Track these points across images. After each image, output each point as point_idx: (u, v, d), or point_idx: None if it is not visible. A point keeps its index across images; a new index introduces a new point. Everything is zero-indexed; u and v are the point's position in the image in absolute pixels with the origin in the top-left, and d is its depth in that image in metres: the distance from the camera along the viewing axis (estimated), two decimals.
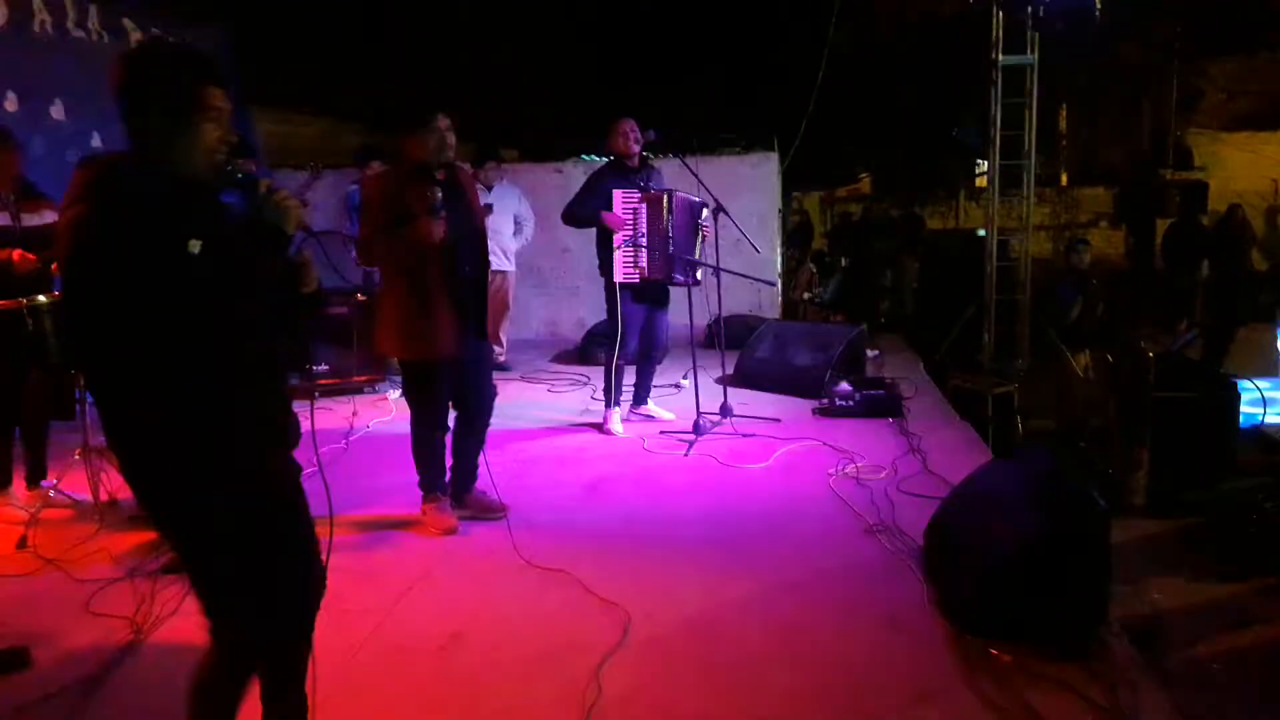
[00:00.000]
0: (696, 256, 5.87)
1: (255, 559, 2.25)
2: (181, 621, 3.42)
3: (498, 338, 8.11)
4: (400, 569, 3.92)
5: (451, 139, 4.11)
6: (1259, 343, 8.61)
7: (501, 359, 7.98)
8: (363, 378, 7.21)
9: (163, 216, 2.01)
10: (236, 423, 2.16)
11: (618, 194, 5.66)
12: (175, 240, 2.00)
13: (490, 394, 4.46)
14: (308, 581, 2.47)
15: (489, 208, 7.53)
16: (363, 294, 7.28)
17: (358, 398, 6.95)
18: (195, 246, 2.00)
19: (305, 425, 2.50)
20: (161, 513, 2.19)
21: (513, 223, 7.83)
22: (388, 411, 6.63)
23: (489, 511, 4.46)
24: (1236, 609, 4.19)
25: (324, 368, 7.13)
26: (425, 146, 4.05)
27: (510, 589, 3.74)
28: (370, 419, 6.42)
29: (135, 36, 7.72)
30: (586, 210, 5.74)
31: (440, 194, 4.01)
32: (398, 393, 6.98)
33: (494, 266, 7.66)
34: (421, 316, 4.05)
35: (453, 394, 4.31)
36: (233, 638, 2.28)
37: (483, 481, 4.50)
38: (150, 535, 4.21)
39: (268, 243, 2.19)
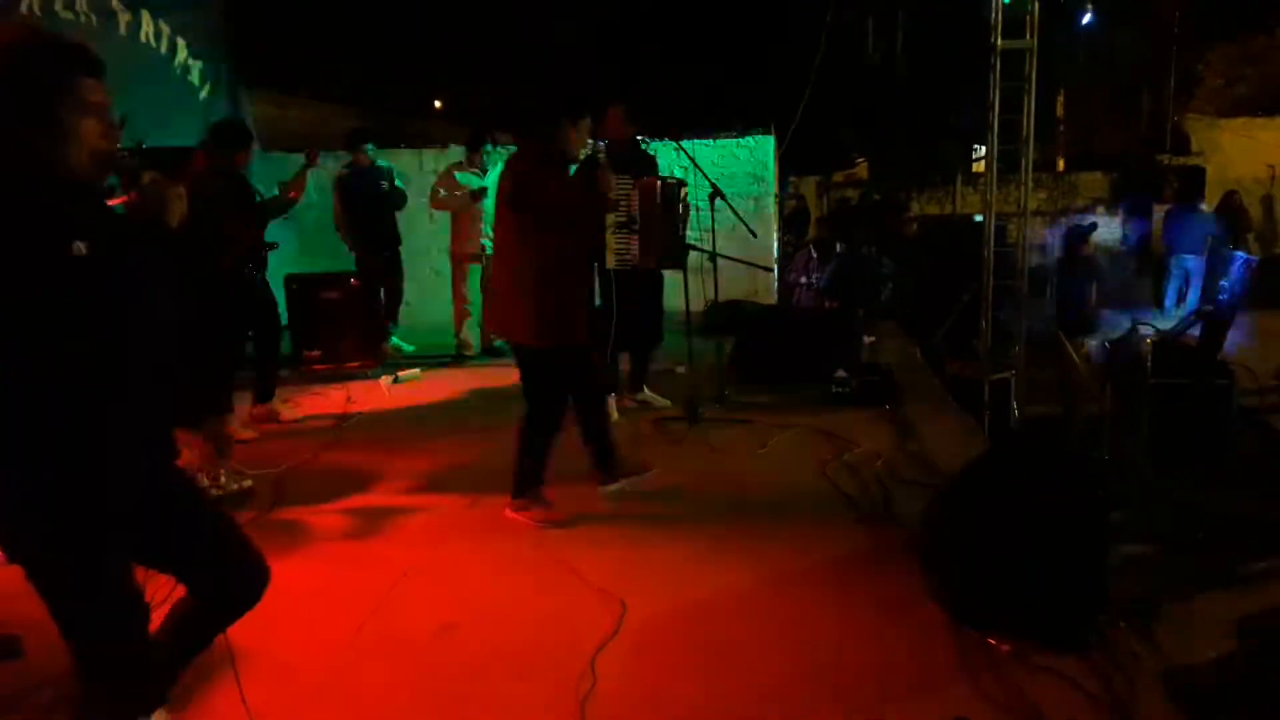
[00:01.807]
0: (686, 239, 5.84)
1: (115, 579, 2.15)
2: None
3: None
4: (392, 558, 3.90)
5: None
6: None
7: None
8: (356, 363, 7.17)
9: (40, 220, 1.90)
10: (110, 436, 2.05)
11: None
12: (57, 243, 1.89)
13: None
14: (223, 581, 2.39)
15: (484, 191, 7.49)
16: (355, 279, 7.25)
17: (352, 383, 6.90)
18: (81, 249, 1.90)
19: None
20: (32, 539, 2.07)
21: None
22: (383, 398, 6.59)
23: (641, 469, 4.63)
24: (1235, 595, 4.17)
25: (317, 353, 7.09)
26: (577, 140, 4.12)
27: (503, 577, 3.72)
28: (366, 405, 6.38)
29: (125, 18, 7.65)
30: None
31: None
32: (392, 379, 6.96)
33: (490, 252, 7.69)
34: (578, 305, 4.15)
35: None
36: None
37: (475, 472, 4.47)
38: None
39: (149, 235, 2.08)
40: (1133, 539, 4.09)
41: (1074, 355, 6.96)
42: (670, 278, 5.99)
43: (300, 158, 6.36)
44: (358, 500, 4.58)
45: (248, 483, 4.64)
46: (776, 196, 10.58)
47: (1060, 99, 15.82)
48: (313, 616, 3.40)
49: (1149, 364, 6.22)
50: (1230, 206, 10.21)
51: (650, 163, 5.85)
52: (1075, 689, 2.79)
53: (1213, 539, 4.81)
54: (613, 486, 4.53)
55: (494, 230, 4.32)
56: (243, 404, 5.87)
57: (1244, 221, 10.35)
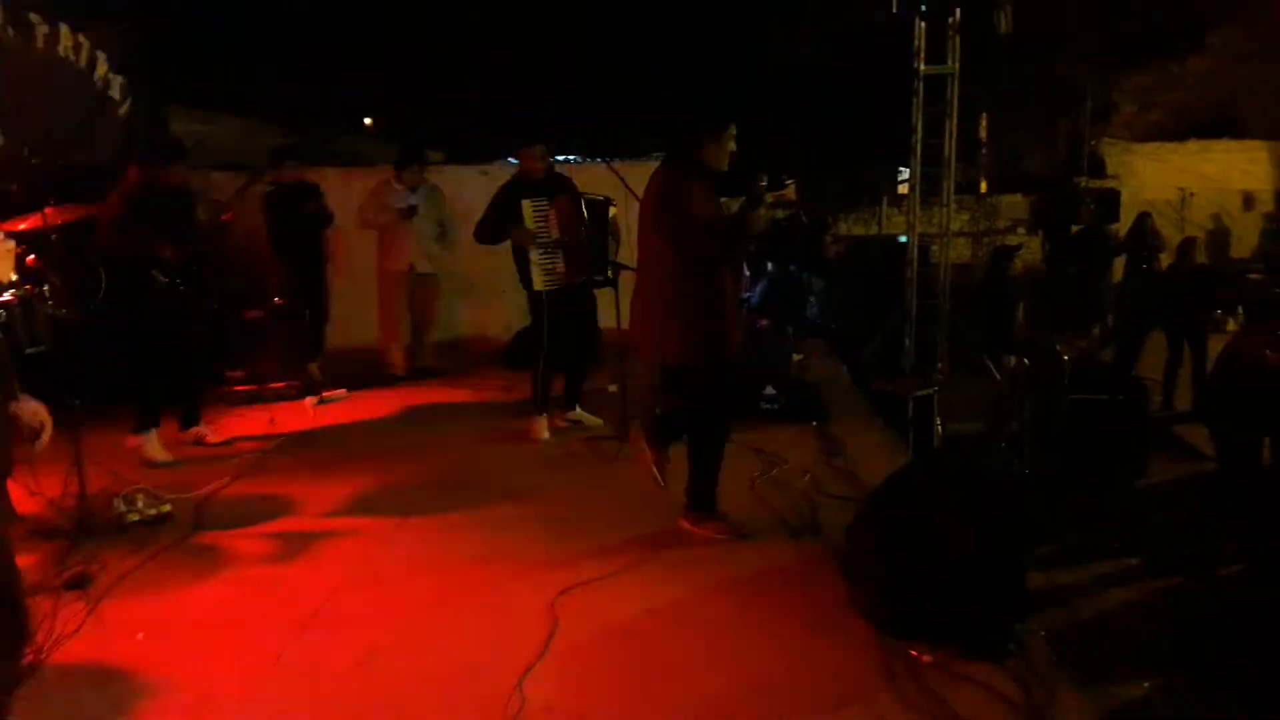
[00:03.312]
0: (611, 256, 5.87)
1: None
2: (84, 642, 3.29)
3: (422, 345, 8.00)
4: (315, 583, 3.82)
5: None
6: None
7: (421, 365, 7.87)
8: (280, 384, 7.03)
9: None
10: None
11: (527, 203, 5.65)
12: None
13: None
14: None
15: (413, 210, 7.42)
16: (279, 298, 7.11)
17: (276, 405, 6.76)
18: None
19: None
20: None
21: (437, 226, 7.71)
22: (308, 419, 6.47)
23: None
24: (1150, 603, 4.30)
25: (239, 373, 6.94)
26: (719, 155, 4.09)
27: (429, 600, 3.67)
28: (290, 426, 6.25)
29: (43, 31, 7.43)
30: (497, 226, 5.73)
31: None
32: (317, 400, 6.84)
33: (419, 269, 7.64)
34: (722, 319, 4.06)
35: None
36: None
37: (402, 493, 4.40)
38: (51, 550, 4.06)
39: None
40: (1050, 550, 4.21)
41: (996, 372, 7.14)
42: (605, 296, 6.00)
43: (229, 176, 6.26)
44: (280, 524, 4.48)
45: (166, 507, 4.52)
46: None
47: (983, 122, 16.23)
48: (231, 644, 3.32)
49: (1067, 381, 6.41)
50: (1142, 228, 10.56)
51: (566, 183, 5.89)
52: (995, 696, 2.85)
53: (1128, 549, 4.96)
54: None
55: (638, 254, 4.27)
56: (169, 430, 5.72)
57: (1156, 242, 10.72)
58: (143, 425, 5.45)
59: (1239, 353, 5.16)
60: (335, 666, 3.15)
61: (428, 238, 7.64)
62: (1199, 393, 7.33)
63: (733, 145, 4.15)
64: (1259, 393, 4.87)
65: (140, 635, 3.33)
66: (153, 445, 5.44)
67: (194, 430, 5.83)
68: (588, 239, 5.68)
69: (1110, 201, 13.31)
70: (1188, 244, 9.54)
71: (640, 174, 7.55)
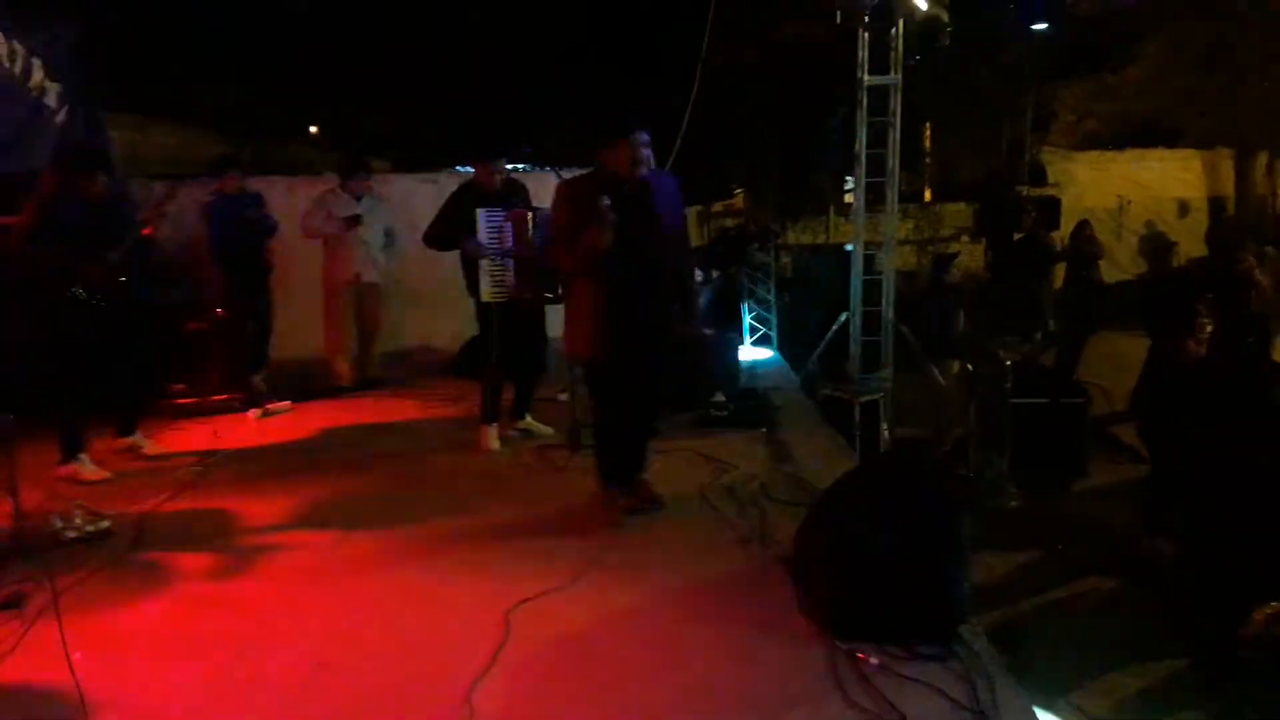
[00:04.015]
0: None
1: None
2: (19, 661, 3.21)
3: (368, 355, 7.92)
4: (259, 598, 3.76)
5: (645, 154, 4.21)
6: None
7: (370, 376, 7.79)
8: (223, 397, 6.91)
9: None
10: None
11: (482, 213, 5.60)
12: None
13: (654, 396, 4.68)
14: None
15: (358, 219, 7.35)
16: (221, 309, 7.00)
17: (218, 418, 6.65)
18: None
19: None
20: None
21: (383, 235, 7.64)
22: (251, 432, 6.37)
23: (648, 503, 4.62)
24: (1087, 600, 4.40)
25: (181, 386, 6.81)
26: (618, 158, 4.18)
27: (378, 612, 3.63)
28: (233, 440, 6.15)
29: None
30: (449, 233, 5.70)
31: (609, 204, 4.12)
32: (261, 412, 6.74)
33: (365, 279, 7.56)
34: (593, 319, 4.26)
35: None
36: None
37: (347, 506, 4.37)
38: None
39: None
40: (995, 551, 4.28)
41: (939, 377, 7.25)
42: (555, 306, 5.99)
43: (160, 185, 6.13)
44: (224, 539, 4.40)
45: (105, 523, 4.42)
46: None
47: (927, 132, 16.50)
48: (173, 663, 3.25)
49: (1009, 385, 6.53)
50: (1081, 236, 10.79)
51: (521, 192, 5.87)
52: (941, 696, 2.89)
53: (1071, 549, 5.06)
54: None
55: None
56: (103, 439, 5.60)
57: (1095, 249, 10.95)
58: (69, 453, 5.30)
59: (1163, 349, 5.34)
60: (281, 683, 3.10)
61: (374, 247, 7.57)
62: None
63: (642, 152, 4.20)
64: (1182, 385, 5.05)
65: (79, 654, 3.25)
66: (85, 468, 5.29)
67: (129, 439, 5.70)
68: (541, 255, 5.64)
69: (1051, 209, 13.59)
70: (1164, 249, 9.77)
71: None
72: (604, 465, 4.55)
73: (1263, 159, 15.63)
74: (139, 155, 10.68)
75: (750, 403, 6.43)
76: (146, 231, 5.83)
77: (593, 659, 3.23)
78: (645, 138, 4.21)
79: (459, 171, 9.70)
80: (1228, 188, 15.96)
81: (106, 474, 5.32)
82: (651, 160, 4.29)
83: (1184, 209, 16.00)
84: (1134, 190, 15.82)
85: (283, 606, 3.67)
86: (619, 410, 4.46)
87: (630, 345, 4.27)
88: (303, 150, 15.09)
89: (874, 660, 3.07)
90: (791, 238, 14.83)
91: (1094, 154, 16.39)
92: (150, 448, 5.77)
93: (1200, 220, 15.54)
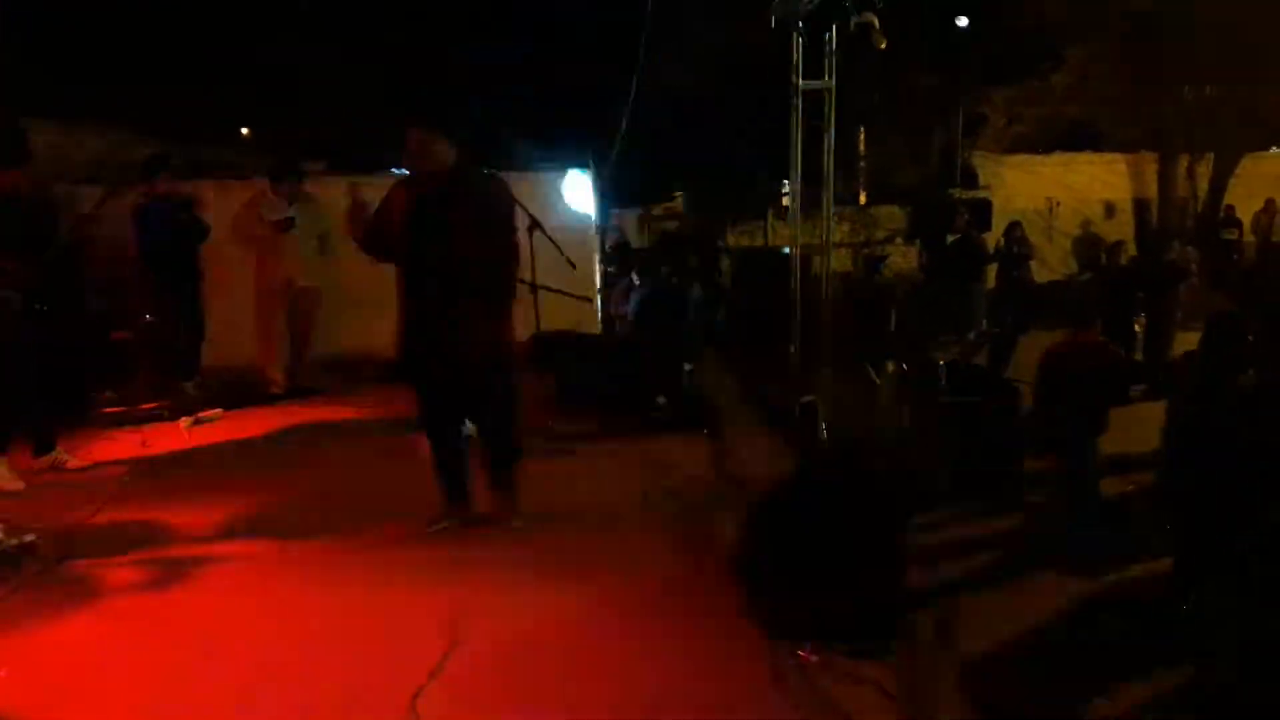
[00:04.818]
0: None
1: None
2: None
3: (303, 361, 7.79)
4: (194, 611, 3.69)
5: (427, 149, 4.15)
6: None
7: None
8: (152, 405, 6.74)
9: None
10: None
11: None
12: None
13: (490, 407, 4.45)
14: None
15: (290, 221, 7.23)
16: (150, 316, 6.83)
17: (147, 426, 6.48)
18: None
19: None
20: None
21: (317, 239, 7.52)
22: (181, 440, 6.22)
23: (468, 520, 4.49)
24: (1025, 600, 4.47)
25: (109, 395, 6.63)
26: (410, 158, 4.21)
27: (317, 624, 3.57)
28: (162, 448, 6.00)
29: None
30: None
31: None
32: (192, 420, 6.58)
33: (298, 283, 7.43)
34: (397, 320, 4.27)
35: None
36: None
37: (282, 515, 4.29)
38: None
39: None
40: (930, 549, 4.34)
41: (875, 377, 7.33)
42: None
43: (91, 190, 5.97)
44: (154, 551, 4.29)
45: (30, 537, 4.27)
46: (598, 229, 10.70)
47: (861, 136, 16.72)
48: (103, 681, 3.16)
49: (943, 384, 6.64)
50: (1013, 236, 11.05)
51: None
52: (880, 692, 2.93)
53: (1004, 547, 5.15)
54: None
55: None
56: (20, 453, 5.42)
57: (1025, 250, 11.21)
58: None
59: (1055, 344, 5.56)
60: (217, 700, 3.03)
61: (307, 250, 7.45)
62: None
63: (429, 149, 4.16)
64: (1071, 375, 5.24)
65: (3, 673, 3.15)
66: (1, 473, 5.14)
67: (48, 457, 5.52)
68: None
69: (982, 211, 13.87)
70: (1116, 246, 10.07)
71: (528, 185, 7.60)
72: (435, 472, 4.50)
73: (1184, 162, 16.12)
74: (68, 159, 10.34)
75: (692, 405, 6.47)
76: (80, 236, 5.67)
77: (535, 665, 3.21)
78: (428, 134, 4.14)
79: (396, 173, 9.60)
80: (1151, 190, 16.43)
81: (21, 485, 5.14)
82: (450, 160, 4.18)
83: (1110, 210, 16.42)
84: (1062, 192, 16.19)
85: (217, 619, 3.59)
86: (427, 415, 4.44)
87: (429, 352, 4.22)
88: (234, 153, 14.78)
89: (814, 658, 3.10)
90: (731, 241, 14.93)
91: (1023, 157, 16.75)
92: (72, 461, 5.59)
93: (1126, 221, 15.98)
